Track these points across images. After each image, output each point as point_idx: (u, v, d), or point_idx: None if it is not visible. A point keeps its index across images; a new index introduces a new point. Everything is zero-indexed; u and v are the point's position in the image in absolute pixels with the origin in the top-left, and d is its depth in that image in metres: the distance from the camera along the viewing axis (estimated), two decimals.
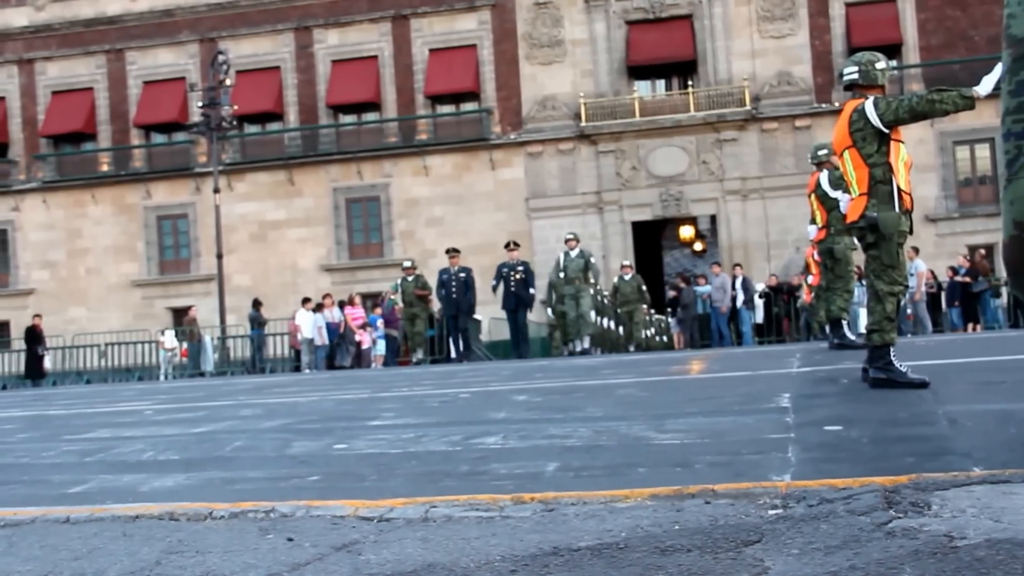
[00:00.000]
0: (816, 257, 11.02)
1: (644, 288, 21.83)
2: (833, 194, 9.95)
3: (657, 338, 25.80)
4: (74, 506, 4.03)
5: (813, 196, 10.33)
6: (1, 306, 35.27)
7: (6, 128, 35.77)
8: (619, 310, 21.37)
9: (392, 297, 20.45)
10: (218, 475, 4.75)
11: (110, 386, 18.78)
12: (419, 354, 19.35)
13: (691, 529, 3.05)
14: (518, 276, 17.52)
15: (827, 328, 10.64)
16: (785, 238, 30.45)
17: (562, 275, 17.59)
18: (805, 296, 16.57)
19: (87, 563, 3.22)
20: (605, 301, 21.17)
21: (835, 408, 5.47)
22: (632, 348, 20.68)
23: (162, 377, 23.78)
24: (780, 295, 22.01)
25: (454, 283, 18.05)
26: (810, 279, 12.42)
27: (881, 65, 6.23)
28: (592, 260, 17.89)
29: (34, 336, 24.38)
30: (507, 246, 18.17)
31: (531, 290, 17.63)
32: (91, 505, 4.02)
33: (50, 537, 3.58)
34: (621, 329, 21.54)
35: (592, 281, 18.15)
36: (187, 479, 4.68)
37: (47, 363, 24.75)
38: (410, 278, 19.35)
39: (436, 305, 19.53)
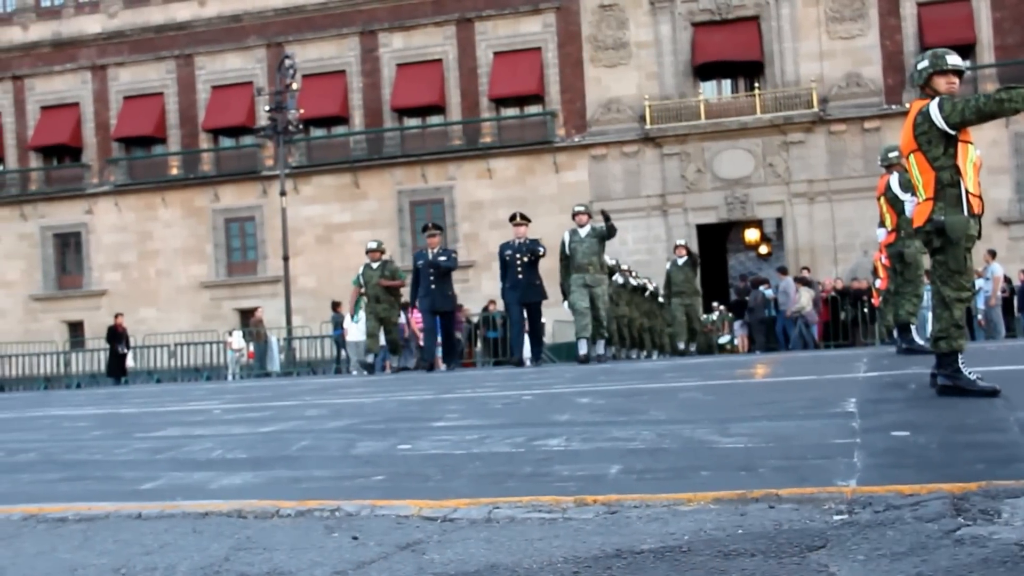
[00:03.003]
0: (884, 261, 10.85)
1: (696, 261, 18.26)
2: (903, 196, 9.79)
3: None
4: (146, 502, 4.12)
5: (883, 199, 10.16)
6: (76, 307, 36.13)
7: (80, 133, 36.63)
8: (672, 301, 18.15)
9: (360, 294, 15.41)
10: (285, 474, 4.81)
11: (179, 385, 19.11)
12: (396, 361, 15.59)
13: (755, 533, 3.03)
14: (526, 259, 13.77)
15: (895, 333, 10.47)
16: (852, 241, 30.02)
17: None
18: (874, 300, 16.22)
19: (158, 558, 3.29)
20: (650, 289, 19.30)
21: (902, 413, 5.38)
22: (692, 348, 18.27)
23: (230, 377, 24.17)
24: (847, 298, 21.70)
25: (432, 270, 14.08)
26: (878, 283, 12.21)
27: (921, 65, 5.94)
28: (610, 229, 13.47)
29: (115, 335, 24.96)
30: (512, 219, 14.23)
31: (540, 249, 13.89)
32: (162, 501, 4.11)
33: (123, 532, 3.66)
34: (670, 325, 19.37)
35: (619, 268, 14.78)
36: (254, 477, 4.75)
37: (129, 361, 25.34)
38: (375, 264, 14.99)
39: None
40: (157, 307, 35.07)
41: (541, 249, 13.84)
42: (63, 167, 37.45)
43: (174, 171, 35.88)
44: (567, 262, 13.53)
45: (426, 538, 3.30)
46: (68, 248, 36.96)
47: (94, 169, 36.58)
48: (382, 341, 15.71)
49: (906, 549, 2.75)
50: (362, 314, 16.01)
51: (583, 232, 13.46)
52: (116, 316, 26.20)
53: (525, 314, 14.04)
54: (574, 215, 13.65)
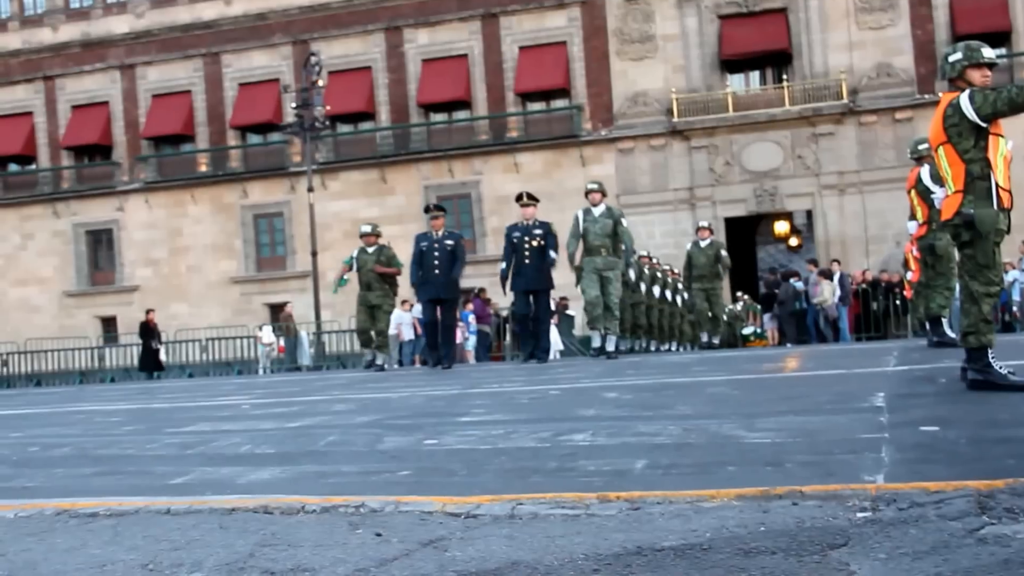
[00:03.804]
0: (915, 253, 10.77)
1: (725, 254, 16.57)
2: (934, 189, 9.70)
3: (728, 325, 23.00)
4: (175, 497, 4.16)
5: (913, 192, 10.09)
6: (108, 302, 36.51)
7: (110, 131, 36.97)
8: (692, 286, 16.55)
9: (346, 275, 14.21)
10: (312, 469, 4.84)
11: (210, 380, 19.25)
12: (379, 359, 14.22)
13: (777, 531, 3.02)
14: (535, 243, 12.62)
15: (926, 326, 10.40)
16: (884, 232, 29.79)
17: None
18: (906, 292, 15.99)
19: (185, 554, 3.32)
20: (663, 276, 18.61)
21: (932, 408, 5.33)
22: (716, 341, 16.54)
23: (260, 371, 24.33)
24: (878, 290, 21.55)
25: (437, 254, 12.84)
26: (909, 275, 12.13)
27: (954, 57, 5.84)
28: (625, 224, 12.71)
29: (148, 331, 25.23)
30: (519, 199, 13.05)
31: (552, 253, 12.61)
32: (191, 497, 4.15)
33: (152, 527, 3.70)
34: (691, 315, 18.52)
35: (627, 252, 13.05)
36: (282, 472, 4.78)
37: (162, 355, 25.63)
38: (370, 249, 13.86)
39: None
40: (188, 302, 35.37)
41: (553, 254, 12.68)
42: (94, 165, 37.81)
43: (203, 168, 36.15)
44: (578, 240, 12.60)
45: (449, 535, 3.31)
46: (100, 245, 37.34)
47: (124, 167, 36.91)
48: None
49: (928, 548, 2.73)
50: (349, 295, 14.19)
51: (597, 212, 12.51)
52: (148, 312, 26.47)
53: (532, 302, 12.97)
54: (587, 193, 12.70)
